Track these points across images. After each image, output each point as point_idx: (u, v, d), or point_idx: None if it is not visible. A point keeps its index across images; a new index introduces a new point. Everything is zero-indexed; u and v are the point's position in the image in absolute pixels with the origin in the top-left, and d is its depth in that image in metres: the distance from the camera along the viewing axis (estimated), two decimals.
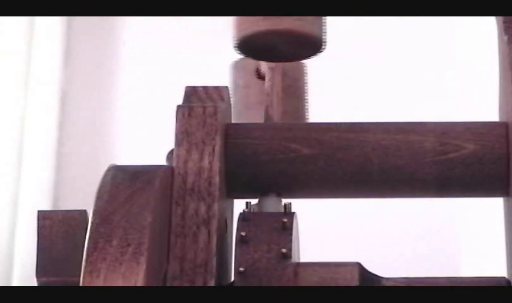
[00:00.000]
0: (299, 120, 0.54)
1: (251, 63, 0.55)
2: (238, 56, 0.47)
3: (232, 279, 0.38)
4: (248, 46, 0.38)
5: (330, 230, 0.95)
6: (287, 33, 0.37)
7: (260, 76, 0.56)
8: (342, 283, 0.35)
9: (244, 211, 0.38)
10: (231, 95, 0.48)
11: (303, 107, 0.55)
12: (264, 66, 0.51)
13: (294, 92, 0.54)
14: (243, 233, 0.35)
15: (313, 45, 0.38)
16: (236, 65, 0.54)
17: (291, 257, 0.35)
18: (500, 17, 0.44)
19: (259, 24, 0.38)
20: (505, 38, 0.41)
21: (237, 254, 0.36)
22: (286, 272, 0.35)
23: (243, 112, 0.54)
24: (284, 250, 0.35)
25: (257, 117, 0.51)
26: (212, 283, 0.35)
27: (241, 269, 0.36)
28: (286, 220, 0.35)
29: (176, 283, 0.35)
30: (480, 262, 0.89)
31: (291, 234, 0.35)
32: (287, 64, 0.54)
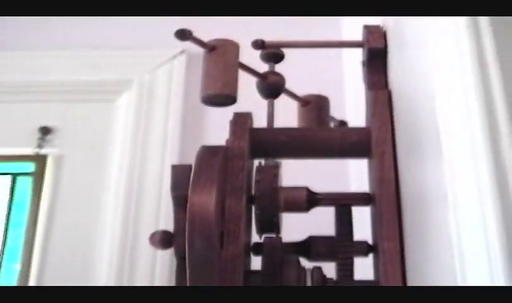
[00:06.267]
0: None
1: None
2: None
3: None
4: None
5: None
6: None
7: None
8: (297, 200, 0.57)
9: (260, 162, 0.59)
10: None
11: None
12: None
13: None
14: (258, 177, 0.57)
15: None
16: None
17: (278, 173, 0.57)
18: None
19: None
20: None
21: (255, 183, 0.56)
22: (276, 180, 0.56)
23: None
24: (275, 172, 0.57)
25: None
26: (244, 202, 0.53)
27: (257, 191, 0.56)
28: (275, 172, 0.57)
29: (230, 200, 0.52)
30: None
31: (277, 173, 0.57)
32: None
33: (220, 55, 0.59)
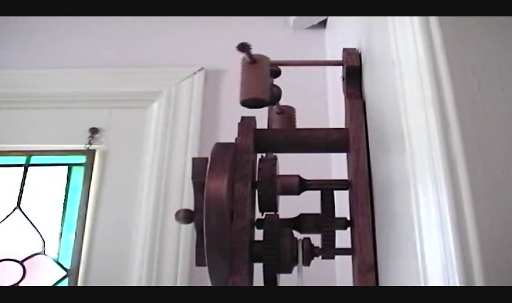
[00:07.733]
0: None
1: None
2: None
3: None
4: None
5: None
6: None
7: None
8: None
9: (262, 156, 0.58)
10: None
11: None
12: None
13: None
14: (260, 167, 0.54)
15: None
16: None
17: (276, 164, 0.55)
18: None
19: None
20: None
21: (258, 172, 0.54)
22: (274, 169, 0.54)
23: None
24: (274, 163, 0.55)
25: None
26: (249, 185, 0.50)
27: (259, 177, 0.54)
28: (274, 163, 0.55)
29: (238, 185, 0.49)
30: None
31: (275, 164, 0.56)
32: None
33: (260, 67, 0.57)
